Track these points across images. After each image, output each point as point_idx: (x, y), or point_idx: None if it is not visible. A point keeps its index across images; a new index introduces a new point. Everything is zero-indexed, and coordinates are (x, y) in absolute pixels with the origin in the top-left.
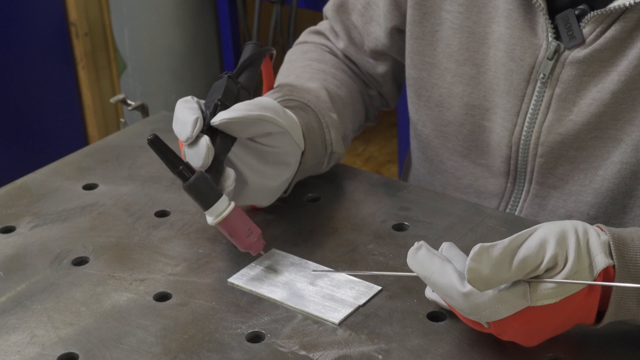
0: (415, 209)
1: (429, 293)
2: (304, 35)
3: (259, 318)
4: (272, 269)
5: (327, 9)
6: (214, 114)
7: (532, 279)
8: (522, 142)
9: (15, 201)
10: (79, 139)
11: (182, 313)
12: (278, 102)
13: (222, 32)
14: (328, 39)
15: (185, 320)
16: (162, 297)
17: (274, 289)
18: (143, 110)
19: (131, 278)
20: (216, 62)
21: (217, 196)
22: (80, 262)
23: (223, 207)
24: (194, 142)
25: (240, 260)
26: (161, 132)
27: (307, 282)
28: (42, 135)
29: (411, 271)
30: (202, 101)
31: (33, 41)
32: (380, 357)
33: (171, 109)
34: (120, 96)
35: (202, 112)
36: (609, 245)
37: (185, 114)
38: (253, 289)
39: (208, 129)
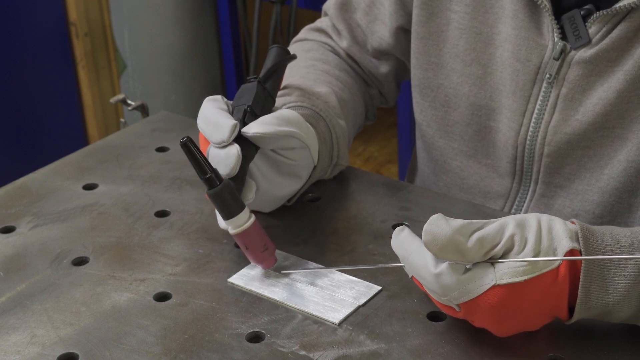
0: (415, 209)
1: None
2: (304, 32)
3: (259, 318)
4: (271, 269)
5: (329, 7)
6: (243, 119)
7: (494, 260)
8: (528, 142)
9: (15, 201)
10: (79, 139)
11: (182, 313)
12: (290, 107)
13: (222, 32)
14: (330, 37)
15: (185, 320)
16: (162, 297)
17: (274, 289)
18: (143, 110)
19: (131, 278)
20: (216, 62)
21: (240, 208)
22: (80, 262)
23: (244, 219)
24: (223, 146)
25: (240, 260)
26: (162, 132)
27: (307, 282)
28: (42, 135)
29: (396, 262)
30: (230, 102)
31: (33, 41)
32: (380, 357)
33: (171, 109)
34: (120, 96)
35: (232, 114)
36: (576, 233)
37: (220, 116)
38: (253, 289)
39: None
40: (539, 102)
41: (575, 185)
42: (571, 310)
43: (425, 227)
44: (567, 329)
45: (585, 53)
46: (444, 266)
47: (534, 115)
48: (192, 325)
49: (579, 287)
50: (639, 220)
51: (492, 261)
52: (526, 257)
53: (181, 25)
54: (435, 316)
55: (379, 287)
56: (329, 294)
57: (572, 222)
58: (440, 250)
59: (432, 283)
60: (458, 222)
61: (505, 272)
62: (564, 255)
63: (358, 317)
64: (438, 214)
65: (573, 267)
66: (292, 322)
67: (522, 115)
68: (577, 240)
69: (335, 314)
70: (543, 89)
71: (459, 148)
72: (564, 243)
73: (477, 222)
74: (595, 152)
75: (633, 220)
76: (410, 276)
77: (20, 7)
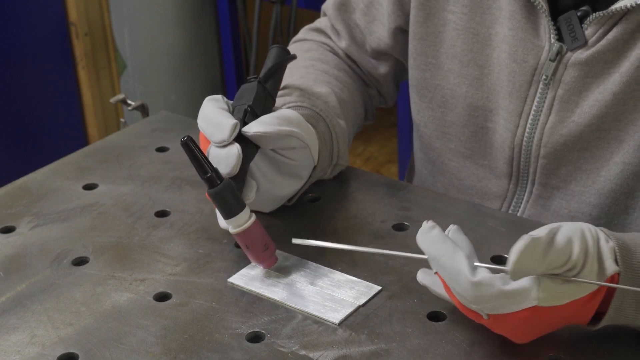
0: (415, 209)
1: (421, 277)
2: (303, 33)
3: (259, 318)
4: (272, 269)
5: (327, 7)
6: (243, 119)
7: (545, 275)
8: (524, 143)
9: (15, 201)
10: (79, 139)
11: (182, 313)
12: (290, 107)
13: (222, 32)
14: (329, 37)
15: (185, 320)
16: (162, 297)
17: (274, 289)
18: (143, 110)
19: (131, 278)
20: (216, 62)
21: (241, 207)
22: (80, 262)
23: (245, 218)
24: (224, 146)
25: (240, 260)
26: (162, 132)
27: (307, 282)
28: (42, 135)
29: (419, 252)
30: (230, 102)
31: (33, 41)
32: (380, 357)
33: (171, 109)
34: (120, 96)
35: (232, 114)
36: (614, 251)
37: (220, 116)
38: (253, 289)
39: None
40: (535, 103)
41: (572, 187)
42: (595, 315)
43: (516, 256)
44: (567, 329)
45: (581, 54)
46: (485, 276)
47: (531, 117)
48: (192, 325)
49: (610, 305)
50: (636, 222)
51: (541, 276)
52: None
53: (181, 25)
54: (435, 316)
55: (379, 287)
56: (329, 294)
57: (604, 232)
58: (517, 278)
59: (466, 290)
60: (543, 243)
61: (550, 295)
62: (606, 279)
63: (358, 317)
64: (527, 239)
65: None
66: (292, 322)
67: (518, 117)
68: (616, 261)
69: (335, 314)
70: (539, 90)
71: (456, 149)
72: (608, 265)
73: (550, 232)
74: (592, 153)
75: (630, 222)
76: (434, 272)
77: (20, 7)
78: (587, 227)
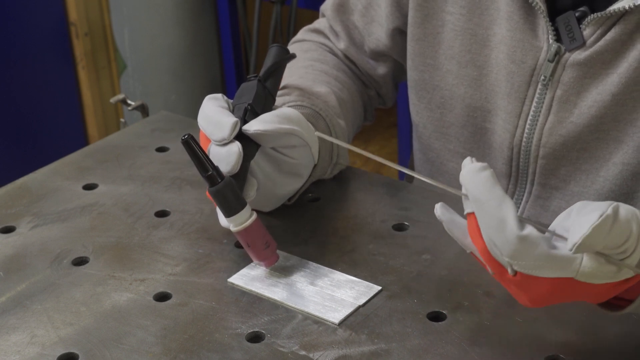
0: (415, 209)
1: (439, 212)
2: (302, 33)
3: (259, 318)
4: (272, 269)
5: (326, 8)
6: (243, 117)
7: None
8: (523, 143)
9: (15, 201)
10: (79, 139)
11: (182, 313)
12: (289, 106)
13: (222, 32)
14: (328, 38)
15: (185, 320)
16: (162, 297)
17: (274, 289)
18: (143, 110)
19: (131, 278)
20: (216, 62)
21: (242, 205)
22: (80, 262)
23: (246, 216)
24: (224, 144)
25: (240, 260)
26: (162, 132)
27: (307, 282)
28: (42, 135)
29: (458, 189)
30: (230, 100)
31: (33, 41)
32: (380, 357)
33: (171, 109)
34: (120, 96)
35: (232, 112)
36: None
37: (221, 114)
38: (253, 289)
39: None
40: (534, 104)
41: (571, 187)
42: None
43: (590, 232)
44: (567, 329)
45: (579, 55)
46: (533, 232)
47: (529, 117)
48: (192, 325)
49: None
50: None
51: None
52: (629, 263)
53: (181, 25)
54: (435, 316)
55: (379, 287)
56: (329, 294)
57: None
58: (578, 252)
59: (509, 242)
60: (609, 222)
61: (590, 273)
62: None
63: (358, 317)
64: (610, 214)
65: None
66: (292, 322)
67: (517, 117)
68: None
69: (335, 314)
70: (538, 90)
71: (455, 149)
72: None
73: (611, 214)
74: (591, 154)
75: None
76: (466, 212)
77: (20, 7)
78: (636, 210)
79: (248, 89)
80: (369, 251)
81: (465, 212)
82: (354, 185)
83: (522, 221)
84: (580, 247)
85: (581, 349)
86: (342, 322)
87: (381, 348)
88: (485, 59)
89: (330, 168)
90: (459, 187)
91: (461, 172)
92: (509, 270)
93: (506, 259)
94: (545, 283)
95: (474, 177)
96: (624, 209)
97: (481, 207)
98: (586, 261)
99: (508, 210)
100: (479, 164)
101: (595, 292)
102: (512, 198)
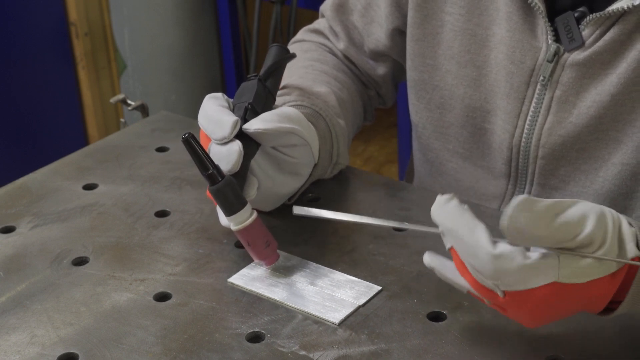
0: (415, 209)
1: (428, 259)
2: (302, 34)
3: (259, 318)
4: (272, 269)
5: (325, 9)
6: (244, 116)
7: (564, 251)
8: (522, 144)
9: (15, 201)
10: (79, 139)
11: (182, 313)
12: (289, 105)
13: (222, 32)
14: (327, 38)
15: (185, 320)
16: (162, 297)
17: (274, 289)
18: (143, 110)
19: (131, 278)
20: (216, 62)
21: (242, 204)
22: (80, 262)
23: (246, 215)
24: (225, 143)
25: (240, 260)
26: (162, 132)
27: (307, 282)
28: (42, 135)
29: (434, 226)
30: (231, 99)
31: (33, 41)
32: (380, 357)
33: (171, 109)
34: (120, 96)
35: (233, 112)
36: (636, 236)
37: (221, 113)
38: (253, 289)
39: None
40: (533, 104)
41: (571, 187)
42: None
43: (510, 211)
44: (567, 329)
45: (578, 55)
46: (505, 248)
47: (529, 117)
48: (192, 325)
49: (630, 290)
50: None
51: (561, 252)
52: (600, 255)
53: (181, 25)
54: (435, 316)
55: (379, 287)
56: (329, 294)
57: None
58: (519, 239)
59: (486, 264)
60: (541, 207)
61: (571, 271)
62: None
63: (358, 317)
64: (523, 197)
65: (628, 269)
66: (292, 322)
67: (516, 117)
68: (637, 245)
69: (335, 314)
70: (537, 91)
71: (454, 150)
72: (630, 248)
73: (559, 204)
74: (590, 154)
75: None
76: (447, 248)
77: (20, 7)
78: (609, 210)
79: (248, 89)
80: (369, 251)
81: (447, 249)
82: (354, 185)
83: (495, 240)
84: (510, 231)
85: (581, 349)
86: (342, 322)
87: (381, 348)
88: (484, 59)
89: (331, 168)
90: (458, 187)
91: (431, 209)
92: (499, 292)
93: (490, 282)
94: (535, 294)
95: (442, 209)
96: (584, 204)
97: (455, 236)
98: (562, 261)
99: (480, 233)
100: (445, 196)
101: (590, 296)
102: (511, 198)
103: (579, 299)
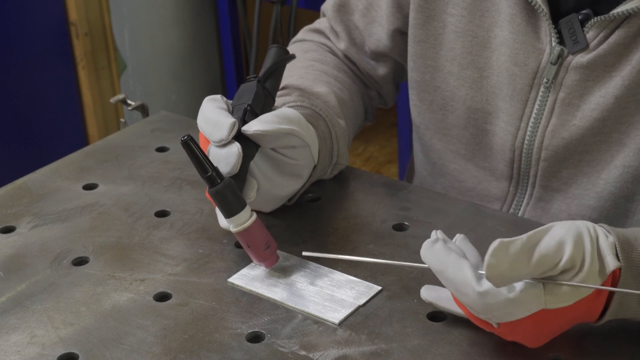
0: (415, 209)
1: (425, 294)
2: (303, 33)
3: (259, 318)
4: (272, 269)
5: (327, 8)
6: (243, 118)
7: (547, 280)
8: (525, 146)
9: (15, 201)
10: (79, 139)
11: (182, 313)
12: (289, 106)
13: (222, 32)
14: (328, 38)
15: (185, 320)
16: (162, 297)
17: (274, 289)
18: (143, 110)
19: (131, 278)
20: (216, 62)
21: (242, 206)
22: (80, 262)
23: (246, 217)
24: (224, 145)
25: (240, 260)
26: (162, 132)
27: (307, 282)
28: (42, 135)
29: (423, 263)
30: (230, 101)
31: (33, 41)
32: (380, 357)
33: (171, 109)
34: (120, 96)
35: (232, 113)
36: (615, 246)
37: (219, 115)
38: (253, 289)
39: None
40: (536, 106)
41: (572, 190)
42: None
43: (488, 260)
44: (568, 329)
45: (582, 58)
46: (490, 285)
47: (532, 120)
48: (192, 325)
49: (613, 299)
50: (635, 226)
51: (544, 281)
52: (581, 279)
53: (181, 25)
54: (435, 316)
55: (379, 287)
56: (329, 294)
57: (604, 228)
58: (502, 283)
59: (474, 301)
60: (517, 247)
61: (556, 297)
62: (609, 274)
63: (358, 317)
64: (498, 242)
65: (612, 279)
66: (292, 322)
67: (519, 119)
68: (617, 256)
69: (335, 314)
70: (540, 93)
71: (456, 151)
72: (609, 261)
73: (535, 235)
74: (593, 157)
75: (630, 226)
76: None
77: (20, 7)
78: (585, 226)
79: (247, 90)
80: (369, 251)
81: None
82: (354, 185)
83: (482, 275)
84: (492, 279)
85: (582, 350)
86: (342, 322)
87: (381, 348)
88: (486, 61)
89: (330, 168)
90: (460, 188)
91: (420, 252)
92: (493, 323)
93: (481, 316)
94: (526, 323)
95: (428, 251)
96: (559, 229)
97: (443, 276)
98: (548, 289)
99: (465, 272)
100: (431, 239)
101: (580, 312)
102: (512, 200)
103: (569, 318)
